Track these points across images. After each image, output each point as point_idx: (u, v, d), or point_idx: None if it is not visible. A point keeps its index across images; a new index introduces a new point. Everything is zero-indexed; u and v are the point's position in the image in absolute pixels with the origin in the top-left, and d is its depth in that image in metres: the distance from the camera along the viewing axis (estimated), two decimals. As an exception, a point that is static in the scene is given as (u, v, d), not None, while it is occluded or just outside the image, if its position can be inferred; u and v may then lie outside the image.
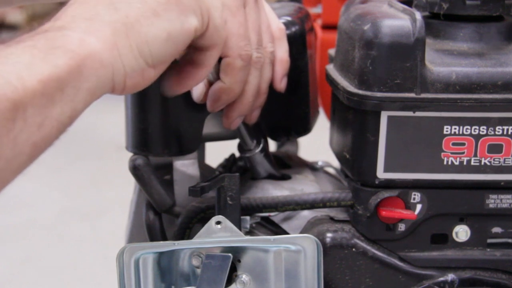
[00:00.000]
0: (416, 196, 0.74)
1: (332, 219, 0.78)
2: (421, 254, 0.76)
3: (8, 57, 0.52)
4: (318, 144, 1.12)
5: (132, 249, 0.73)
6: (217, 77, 0.72)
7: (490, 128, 0.72)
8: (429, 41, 0.74)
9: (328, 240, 0.75)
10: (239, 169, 0.89)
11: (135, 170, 0.80)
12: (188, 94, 0.75)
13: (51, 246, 2.58)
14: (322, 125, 0.97)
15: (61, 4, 0.63)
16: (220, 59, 0.71)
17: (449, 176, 0.73)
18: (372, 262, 0.75)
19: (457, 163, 0.73)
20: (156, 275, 0.74)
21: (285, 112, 0.86)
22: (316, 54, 1.00)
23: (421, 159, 0.73)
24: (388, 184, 0.74)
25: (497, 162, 0.73)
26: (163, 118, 0.78)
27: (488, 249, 0.76)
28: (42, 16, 5.45)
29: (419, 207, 0.74)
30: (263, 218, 0.80)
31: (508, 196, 0.74)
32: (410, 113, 0.71)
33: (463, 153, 0.72)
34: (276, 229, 0.81)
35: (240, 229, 0.74)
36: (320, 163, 0.94)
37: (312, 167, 0.93)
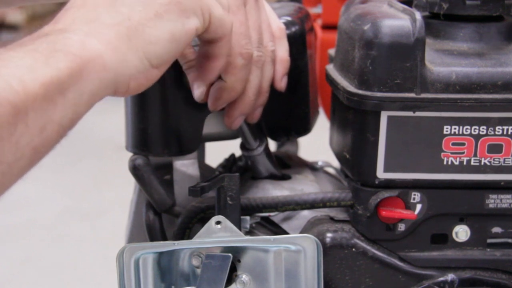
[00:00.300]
0: (416, 196, 0.74)
1: (332, 219, 0.78)
2: (421, 254, 0.76)
3: (10, 60, 0.52)
4: (318, 144, 1.12)
5: (132, 249, 0.73)
6: (218, 76, 0.73)
7: (490, 128, 0.72)
8: (429, 41, 0.74)
9: (328, 240, 0.75)
10: (239, 169, 0.89)
11: (135, 170, 0.80)
12: (188, 94, 0.75)
13: (51, 246, 2.58)
14: (322, 125, 0.97)
15: (61, 5, 0.63)
16: None
17: (449, 176, 0.73)
18: (372, 262, 0.75)
19: (457, 163, 0.73)
20: (156, 275, 0.74)
21: (285, 112, 0.86)
22: (316, 54, 1.00)
23: (421, 159, 0.73)
24: (388, 184, 0.74)
25: (497, 162, 0.73)
26: (163, 118, 0.78)
27: (488, 249, 0.76)
28: (42, 16, 5.45)
29: (419, 207, 0.74)
30: (263, 218, 0.80)
31: (508, 196, 0.74)
32: (410, 113, 0.71)
33: (463, 153, 0.72)
34: (276, 229, 0.81)
35: (240, 229, 0.74)
36: (320, 163, 0.94)
37: (312, 167, 0.93)
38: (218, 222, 0.72)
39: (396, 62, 0.71)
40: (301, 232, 0.79)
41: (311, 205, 0.77)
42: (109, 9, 0.59)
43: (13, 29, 5.37)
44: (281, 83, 0.79)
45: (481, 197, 0.74)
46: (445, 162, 0.73)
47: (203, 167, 0.88)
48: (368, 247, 0.75)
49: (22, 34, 5.32)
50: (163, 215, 0.82)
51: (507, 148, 0.72)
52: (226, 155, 0.94)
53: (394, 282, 0.76)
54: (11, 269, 2.43)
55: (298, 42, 0.83)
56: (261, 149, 0.84)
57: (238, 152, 0.89)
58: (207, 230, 0.73)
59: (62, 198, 2.96)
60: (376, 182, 0.74)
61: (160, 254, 0.74)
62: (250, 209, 0.77)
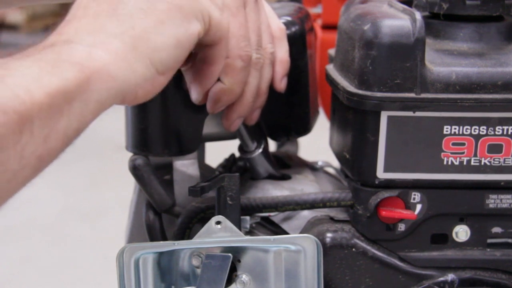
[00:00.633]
0: (416, 196, 0.74)
1: (332, 219, 0.78)
2: (421, 254, 0.76)
3: (16, 69, 0.52)
4: (318, 144, 1.12)
5: (132, 249, 0.73)
6: (217, 78, 0.73)
7: (490, 128, 0.72)
8: (429, 41, 0.74)
9: (328, 240, 0.75)
10: (239, 169, 0.89)
11: (135, 170, 0.80)
12: (188, 94, 0.75)
13: (51, 246, 2.58)
14: (322, 125, 0.97)
15: (61, 5, 0.63)
16: None
17: (449, 176, 0.73)
18: (372, 262, 0.75)
19: (457, 163, 0.73)
20: (156, 275, 0.74)
21: (285, 112, 0.86)
22: (316, 54, 1.00)
23: (421, 159, 0.73)
24: (388, 184, 0.74)
25: (497, 162, 0.73)
26: (163, 118, 0.78)
27: (488, 249, 0.76)
28: (42, 16, 5.46)
29: (419, 207, 0.74)
30: (263, 218, 0.80)
31: (508, 196, 0.74)
32: (410, 113, 0.71)
33: (463, 153, 0.72)
34: (276, 229, 0.81)
35: (240, 229, 0.74)
36: (320, 163, 0.94)
37: (312, 167, 0.93)
38: (218, 222, 0.72)
39: (396, 62, 0.71)
40: (301, 232, 0.79)
41: (311, 205, 0.77)
42: (111, 19, 0.60)
43: (13, 29, 5.37)
44: (281, 84, 0.79)
45: (481, 197, 0.74)
46: (445, 162, 0.73)
47: (203, 167, 0.88)
48: (368, 247, 0.75)
49: (22, 34, 5.32)
50: (163, 215, 0.82)
51: (507, 148, 0.72)
52: (226, 155, 0.94)
53: (394, 282, 0.76)
54: (11, 269, 2.43)
55: (298, 42, 0.83)
56: (259, 151, 0.84)
57: (238, 152, 0.89)
58: (207, 230, 0.73)
59: (62, 198, 2.96)
60: (376, 182, 0.74)
61: (160, 254, 0.74)
62: (250, 209, 0.77)
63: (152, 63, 0.61)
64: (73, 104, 0.54)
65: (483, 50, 0.75)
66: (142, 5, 0.61)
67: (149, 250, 0.74)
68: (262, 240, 0.73)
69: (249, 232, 0.79)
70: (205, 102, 0.74)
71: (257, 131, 0.84)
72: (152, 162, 0.81)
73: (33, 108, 0.51)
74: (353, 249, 0.75)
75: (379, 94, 0.71)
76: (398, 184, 0.74)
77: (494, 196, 0.74)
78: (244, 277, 0.74)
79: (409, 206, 0.74)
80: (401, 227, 0.75)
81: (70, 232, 2.67)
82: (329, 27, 1.07)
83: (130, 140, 0.80)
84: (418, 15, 0.71)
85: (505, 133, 0.72)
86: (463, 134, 0.72)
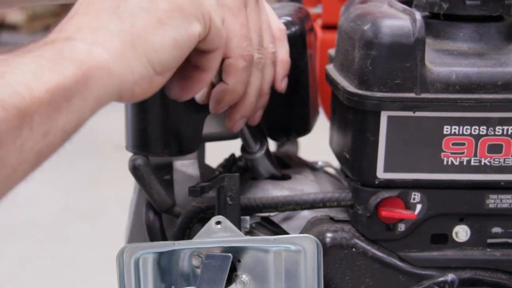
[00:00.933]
0: (416, 196, 0.74)
1: (332, 219, 0.78)
2: (421, 254, 0.76)
3: (16, 66, 0.53)
4: (318, 144, 1.12)
5: (132, 249, 0.74)
6: (220, 79, 0.73)
7: (490, 128, 0.72)
8: (429, 41, 0.74)
9: (328, 240, 0.75)
10: (239, 169, 0.89)
11: (135, 170, 0.80)
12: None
13: (51, 246, 2.58)
14: (322, 125, 0.97)
15: (61, 6, 0.63)
16: (222, 61, 0.71)
17: (449, 176, 0.73)
18: (372, 262, 0.75)
19: (457, 163, 0.73)
20: (156, 275, 0.74)
21: (285, 112, 0.86)
22: (316, 54, 1.00)
23: (421, 159, 0.73)
24: (388, 184, 0.74)
25: (497, 162, 0.73)
26: (163, 118, 0.78)
27: (488, 249, 0.76)
28: (42, 16, 5.46)
29: (419, 207, 0.74)
30: (263, 218, 0.80)
31: (508, 196, 0.74)
32: (410, 113, 0.71)
33: (463, 153, 0.72)
34: (276, 229, 0.81)
35: (240, 229, 0.74)
36: (320, 163, 0.94)
37: (312, 167, 0.93)
38: (218, 222, 0.72)
39: (396, 62, 0.71)
40: (301, 232, 0.79)
41: (311, 205, 0.77)
42: (112, 17, 0.60)
43: (13, 29, 5.38)
44: (281, 85, 0.79)
45: (481, 197, 0.74)
46: (445, 162, 0.73)
47: (203, 167, 0.88)
48: (368, 247, 0.75)
49: (22, 34, 5.32)
50: (163, 215, 0.82)
51: (507, 148, 0.72)
52: (226, 155, 0.94)
53: (394, 282, 0.76)
54: (11, 269, 2.43)
55: (298, 42, 0.83)
56: (262, 152, 0.84)
57: (238, 152, 0.89)
58: (207, 230, 0.73)
59: (61, 198, 2.96)
60: (376, 182, 0.74)
61: (160, 254, 0.74)
62: (250, 209, 0.77)
63: (149, 62, 0.61)
64: (72, 101, 0.54)
65: (483, 50, 0.75)
66: (144, 4, 0.61)
67: (149, 250, 0.74)
68: (262, 240, 0.73)
69: (249, 232, 0.79)
70: (207, 102, 0.74)
71: (258, 132, 0.84)
72: (152, 162, 0.81)
73: (33, 104, 0.51)
74: (353, 249, 0.75)
75: (379, 94, 0.71)
76: (398, 184, 0.74)
77: (494, 196, 0.74)
78: (244, 277, 0.74)
79: (409, 206, 0.74)
80: (401, 227, 0.75)
81: (70, 232, 2.67)
82: (329, 27, 1.07)
83: (130, 140, 0.80)
84: (418, 15, 0.71)
85: (505, 133, 0.72)
86: (463, 134, 0.72)
